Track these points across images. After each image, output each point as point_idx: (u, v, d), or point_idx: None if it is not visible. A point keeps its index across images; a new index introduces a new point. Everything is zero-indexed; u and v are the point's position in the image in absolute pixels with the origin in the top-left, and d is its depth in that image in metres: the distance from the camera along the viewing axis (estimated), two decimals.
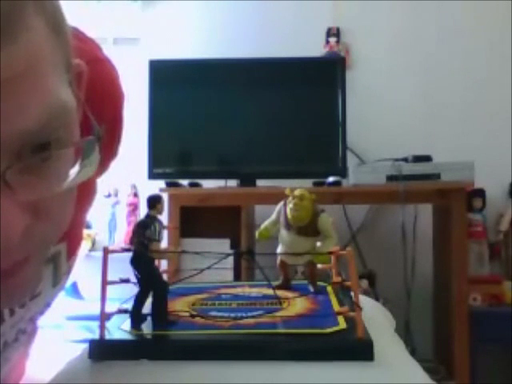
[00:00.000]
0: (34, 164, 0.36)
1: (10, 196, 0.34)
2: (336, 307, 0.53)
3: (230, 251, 1.89)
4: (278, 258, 0.62)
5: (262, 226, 0.62)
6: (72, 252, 0.60)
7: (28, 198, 0.36)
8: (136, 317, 0.50)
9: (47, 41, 0.36)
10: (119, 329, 0.50)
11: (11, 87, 0.32)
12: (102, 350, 0.47)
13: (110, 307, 0.49)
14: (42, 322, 0.63)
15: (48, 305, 0.60)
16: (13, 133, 0.33)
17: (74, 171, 0.39)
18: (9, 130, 0.33)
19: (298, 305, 0.55)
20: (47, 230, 0.40)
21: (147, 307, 0.51)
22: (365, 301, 0.62)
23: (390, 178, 1.88)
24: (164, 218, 1.75)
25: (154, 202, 0.51)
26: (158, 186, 1.89)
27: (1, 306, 0.42)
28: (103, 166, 0.62)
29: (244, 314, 0.51)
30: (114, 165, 0.66)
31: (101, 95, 0.56)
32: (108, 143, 0.60)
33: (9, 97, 0.32)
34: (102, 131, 0.40)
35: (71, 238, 0.58)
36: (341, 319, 0.48)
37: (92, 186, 0.62)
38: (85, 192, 0.59)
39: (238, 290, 0.62)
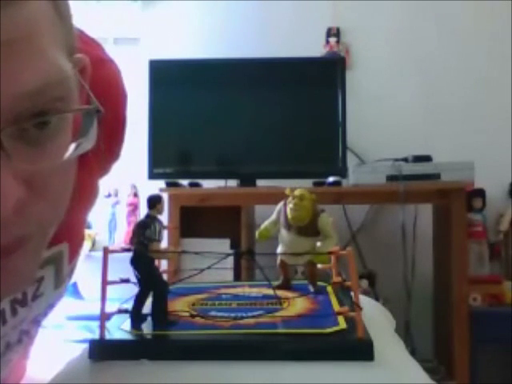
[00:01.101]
0: (31, 132, 0.35)
1: (6, 164, 0.34)
2: (336, 307, 0.53)
3: (230, 251, 1.89)
4: (278, 258, 0.62)
5: (262, 226, 0.62)
6: (74, 254, 0.60)
7: (25, 167, 0.35)
8: (136, 317, 0.50)
9: (49, 16, 0.36)
10: (119, 329, 0.50)
11: (8, 49, 0.32)
12: (102, 350, 0.47)
13: (110, 307, 0.49)
14: (43, 322, 0.63)
15: (51, 306, 0.60)
16: (8, 94, 0.33)
17: (72, 145, 0.38)
18: (5, 91, 0.33)
19: (298, 305, 0.55)
20: (43, 208, 0.39)
21: (147, 307, 0.51)
22: (365, 301, 0.62)
23: (390, 178, 1.88)
24: (164, 218, 1.76)
25: (154, 202, 0.51)
26: (158, 186, 1.89)
27: (1, 292, 0.42)
28: (105, 167, 0.62)
29: (244, 314, 0.51)
30: (113, 165, 0.66)
31: (104, 96, 0.56)
32: (110, 144, 0.60)
33: (5, 59, 0.32)
34: (101, 108, 0.40)
35: (72, 239, 0.58)
36: (341, 319, 0.48)
37: (94, 186, 0.62)
38: (86, 193, 0.59)
39: (238, 290, 0.62)
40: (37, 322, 0.60)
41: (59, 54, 0.37)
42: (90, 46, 0.56)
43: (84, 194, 0.58)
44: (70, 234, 0.56)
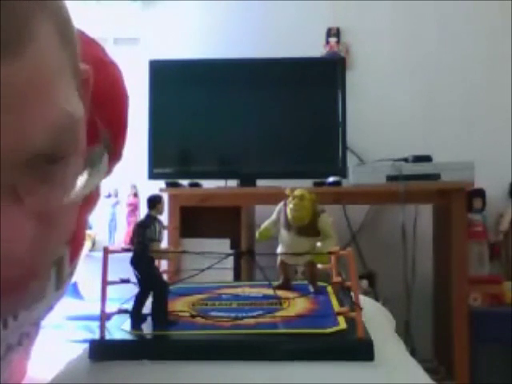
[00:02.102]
0: (41, 174, 0.36)
1: (18, 206, 0.34)
2: (336, 307, 0.53)
3: (230, 251, 1.89)
4: (278, 258, 0.62)
5: (262, 226, 0.62)
6: (74, 255, 0.60)
7: (36, 207, 0.36)
8: (136, 317, 0.50)
9: (56, 50, 0.36)
10: (119, 329, 0.50)
11: (18, 102, 0.32)
12: (103, 350, 0.47)
13: (110, 307, 0.49)
14: (42, 322, 0.63)
15: (51, 308, 0.60)
16: (20, 148, 0.33)
17: (81, 180, 0.39)
18: (16, 145, 0.33)
19: (298, 305, 0.55)
20: (53, 237, 0.40)
21: (147, 307, 0.51)
22: (365, 301, 0.62)
23: (390, 178, 1.88)
24: (164, 218, 1.76)
25: (154, 202, 0.51)
26: (158, 186, 1.89)
27: (2, 314, 0.42)
28: (108, 169, 0.62)
29: (244, 314, 0.51)
30: None
31: (105, 99, 0.56)
32: (113, 146, 0.60)
33: (16, 112, 0.32)
34: (109, 140, 0.40)
35: (73, 242, 0.58)
36: (341, 319, 0.48)
37: (96, 190, 0.62)
38: (89, 196, 0.59)
39: (239, 290, 0.62)
40: (37, 325, 0.60)
41: (67, 90, 0.37)
42: (91, 47, 0.56)
43: (86, 198, 0.58)
44: (72, 238, 0.56)
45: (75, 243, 0.60)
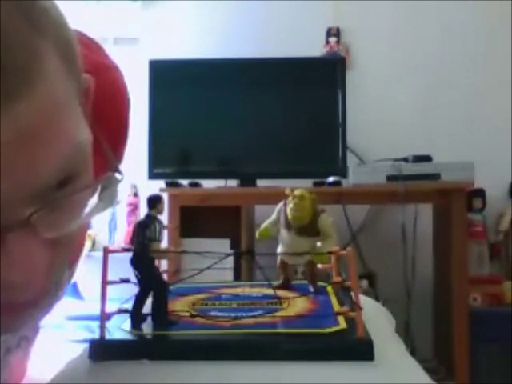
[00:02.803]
0: (53, 202, 0.36)
1: (33, 237, 0.35)
2: (336, 307, 0.53)
3: (230, 251, 1.89)
4: (278, 258, 0.62)
5: (262, 226, 0.62)
6: (74, 259, 0.60)
7: (50, 235, 0.36)
8: (136, 317, 0.50)
9: (63, 79, 0.35)
10: (119, 329, 0.50)
11: (30, 140, 0.32)
12: (103, 350, 0.47)
13: (110, 307, 0.49)
14: (42, 322, 0.63)
15: (49, 311, 0.60)
16: (34, 182, 0.33)
17: (92, 203, 0.39)
18: (30, 180, 0.33)
19: (298, 305, 0.55)
20: (64, 257, 0.41)
21: (147, 307, 0.51)
22: (365, 301, 0.62)
23: (390, 178, 1.88)
24: (164, 217, 1.76)
25: (154, 201, 0.51)
26: (158, 186, 1.89)
27: (13, 329, 0.43)
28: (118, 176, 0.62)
29: (244, 314, 0.51)
30: None
31: (106, 103, 0.56)
32: (114, 149, 0.60)
33: (29, 148, 0.32)
34: (118, 164, 0.41)
35: (72, 255, 0.59)
36: (341, 319, 0.48)
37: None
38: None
39: (238, 290, 0.62)
40: (35, 328, 0.60)
41: (75, 118, 0.37)
42: (91, 51, 0.56)
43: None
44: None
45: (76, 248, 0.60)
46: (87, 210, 0.39)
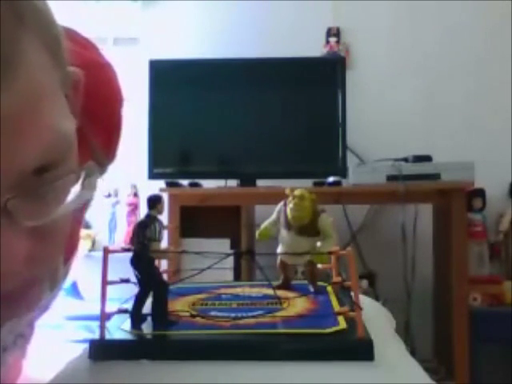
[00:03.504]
0: (33, 191, 0.36)
1: (11, 224, 0.35)
2: (336, 307, 0.53)
3: (230, 251, 1.89)
4: (278, 258, 0.62)
5: (262, 226, 0.62)
6: (69, 256, 0.60)
7: (30, 223, 0.36)
8: (136, 317, 0.50)
9: (46, 68, 0.36)
10: (119, 329, 0.50)
11: (10, 126, 0.32)
12: (102, 350, 0.47)
13: (110, 307, 0.49)
14: (41, 321, 0.63)
15: (46, 309, 0.60)
16: (12, 170, 0.33)
17: (74, 192, 0.39)
18: (8, 167, 0.33)
19: (298, 305, 0.55)
20: (49, 248, 0.40)
21: (147, 307, 0.51)
22: (365, 301, 0.62)
23: (390, 178, 1.88)
24: (164, 217, 1.76)
25: (154, 202, 0.51)
26: (158, 186, 1.89)
27: (2, 321, 0.43)
28: (100, 171, 0.62)
29: (244, 314, 0.51)
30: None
31: (98, 100, 0.56)
32: (107, 147, 0.60)
33: (8, 136, 0.32)
34: (99, 151, 0.41)
35: (68, 243, 0.59)
36: (341, 319, 0.48)
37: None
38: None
39: (238, 290, 0.62)
40: (31, 325, 0.60)
41: (58, 107, 0.37)
42: (87, 49, 0.56)
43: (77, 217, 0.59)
44: (65, 248, 0.56)
45: (70, 244, 0.60)
46: (69, 198, 0.39)
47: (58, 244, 0.42)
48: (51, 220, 0.38)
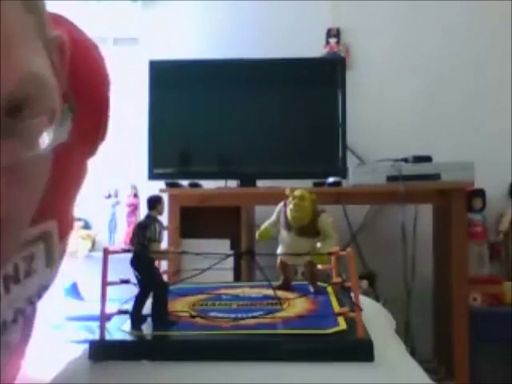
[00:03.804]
0: (6, 130, 0.37)
1: None
2: (336, 308, 0.53)
3: (230, 252, 1.89)
4: (278, 259, 0.62)
5: (262, 227, 0.62)
6: (64, 233, 0.60)
7: (3, 162, 0.37)
8: (136, 317, 0.50)
9: (17, 13, 0.37)
10: (119, 329, 0.50)
11: None
12: (103, 351, 0.47)
13: (110, 308, 0.49)
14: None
15: (44, 288, 0.60)
16: None
17: (46, 136, 0.40)
18: None
19: (298, 305, 0.55)
20: (24, 192, 0.41)
21: (147, 308, 0.51)
22: (365, 301, 0.62)
23: (390, 179, 1.88)
24: (164, 218, 1.76)
25: (154, 202, 0.51)
26: (158, 187, 1.89)
27: None
28: (92, 148, 0.63)
29: (244, 315, 0.51)
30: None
31: (85, 78, 0.57)
32: (95, 125, 0.61)
33: None
34: (74, 102, 0.42)
35: (61, 218, 0.59)
36: (341, 320, 0.48)
37: (81, 168, 0.62)
38: (73, 174, 0.60)
39: (238, 291, 0.62)
40: (31, 303, 0.60)
41: (33, 53, 0.39)
42: (73, 31, 0.57)
43: (71, 175, 0.59)
44: (58, 212, 0.57)
45: (64, 221, 0.60)
46: (43, 144, 0.39)
47: (33, 189, 0.42)
48: (26, 163, 0.39)
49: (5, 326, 0.55)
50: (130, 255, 0.50)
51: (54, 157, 0.45)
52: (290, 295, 0.58)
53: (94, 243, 2.34)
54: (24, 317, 0.59)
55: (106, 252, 0.48)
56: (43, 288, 0.60)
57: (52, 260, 0.59)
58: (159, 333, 0.49)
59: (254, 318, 0.50)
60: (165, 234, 0.53)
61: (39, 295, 0.60)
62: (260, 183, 2.06)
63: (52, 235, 0.58)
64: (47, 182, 0.45)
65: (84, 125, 0.54)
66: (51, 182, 0.46)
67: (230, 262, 1.87)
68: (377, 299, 1.85)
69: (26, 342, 0.67)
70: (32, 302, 0.60)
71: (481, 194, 2.14)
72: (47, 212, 0.52)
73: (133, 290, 0.51)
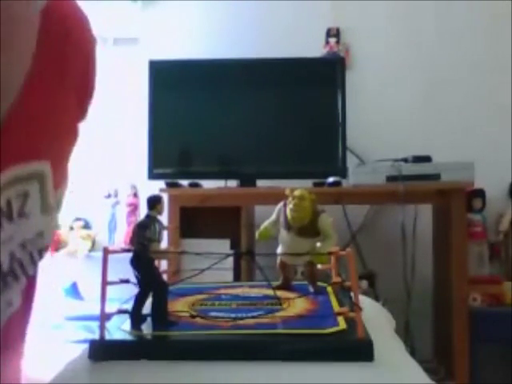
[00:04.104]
0: None
1: None
2: (336, 308, 0.53)
3: (230, 251, 1.89)
4: (278, 259, 0.62)
5: (262, 227, 0.62)
6: (59, 179, 0.60)
7: None
8: (136, 317, 0.50)
9: None
10: (119, 329, 0.50)
11: None
12: (102, 351, 0.47)
13: (110, 307, 0.49)
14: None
15: (40, 235, 0.58)
16: None
17: None
18: None
19: (298, 305, 0.55)
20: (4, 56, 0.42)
21: (147, 308, 0.51)
22: (365, 301, 0.62)
23: (390, 179, 1.88)
24: (164, 218, 1.76)
25: (153, 202, 0.51)
26: (158, 187, 1.89)
27: None
28: (82, 106, 0.64)
29: (244, 315, 0.51)
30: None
31: (69, 39, 0.58)
32: (83, 81, 0.62)
33: None
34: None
35: (55, 165, 0.58)
36: (341, 319, 0.48)
37: (73, 128, 0.63)
38: (67, 122, 0.61)
39: (238, 291, 0.62)
40: (28, 251, 0.58)
41: None
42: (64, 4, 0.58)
43: (64, 123, 0.60)
44: (52, 158, 0.57)
45: (58, 169, 0.60)
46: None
47: (15, 54, 0.43)
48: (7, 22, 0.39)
49: (5, 281, 0.54)
50: (129, 255, 0.50)
51: (46, 97, 0.46)
52: (289, 295, 0.58)
53: (93, 243, 2.34)
54: (24, 273, 0.57)
55: (106, 252, 0.48)
56: (39, 236, 0.58)
57: (47, 206, 0.58)
58: (159, 333, 0.49)
59: (253, 317, 0.50)
60: (165, 234, 0.53)
61: (35, 243, 0.58)
62: (260, 183, 2.06)
63: (46, 177, 0.57)
64: (38, 119, 0.46)
65: (72, 74, 0.57)
66: (43, 119, 0.47)
67: (230, 261, 1.87)
68: (377, 299, 1.85)
69: (26, 322, 0.66)
70: (28, 250, 0.58)
71: (481, 194, 2.14)
72: (41, 152, 0.54)
73: (133, 290, 0.51)
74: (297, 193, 0.58)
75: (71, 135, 0.64)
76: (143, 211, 0.55)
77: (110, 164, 2.36)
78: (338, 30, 2.38)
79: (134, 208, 2.34)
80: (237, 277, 1.88)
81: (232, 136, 2.09)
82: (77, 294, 2.24)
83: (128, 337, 0.48)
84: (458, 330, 1.84)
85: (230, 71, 2.14)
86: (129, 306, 0.51)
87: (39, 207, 0.57)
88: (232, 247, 1.94)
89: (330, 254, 0.55)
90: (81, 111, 0.65)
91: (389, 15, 2.39)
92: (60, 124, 0.60)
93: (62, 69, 0.51)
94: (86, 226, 2.39)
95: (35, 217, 0.56)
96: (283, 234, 0.59)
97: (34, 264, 0.60)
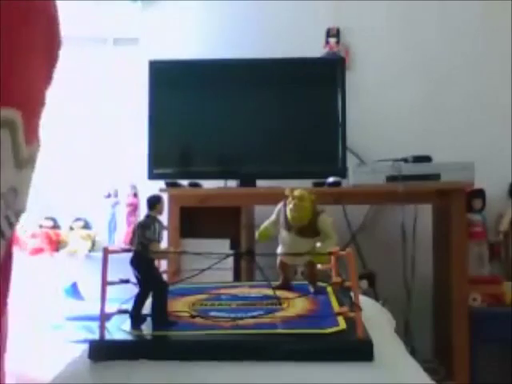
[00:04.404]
0: None
1: None
2: (336, 308, 0.53)
3: (230, 251, 1.89)
4: (278, 259, 0.62)
5: (262, 227, 0.63)
6: (30, 135, 0.59)
7: None
8: (136, 317, 0.50)
9: None
10: (119, 329, 0.50)
11: None
12: (102, 351, 0.47)
13: (110, 308, 0.49)
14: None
15: (14, 192, 0.56)
16: None
17: None
18: None
19: (297, 305, 0.55)
20: None
21: (147, 307, 0.51)
22: (365, 301, 0.62)
23: (390, 179, 1.87)
24: (164, 218, 1.76)
25: (153, 202, 0.51)
26: (158, 187, 1.89)
27: None
28: (49, 60, 0.64)
29: (244, 315, 0.51)
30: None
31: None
32: (48, 31, 0.62)
33: None
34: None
35: (27, 118, 0.58)
36: (341, 319, 0.49)
37: (41, 73, 0.63)
38: (37, 73, 0.61)
39: (238, 291, 0.62)
40: (5, 217, 0.57)
41: None
42: None
43: (34, 75, 0.60)
44: (22, 104, 0.56)
45: (30, 121, 0.59)
46: None
47: None
48: None
49: None
50: (129, 255, 0.50)
51: (9, 32, 0.48)
52: (289, 295, 0.58)
53: (93, 243, 2.34)
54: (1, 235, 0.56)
55: (106, 252, 0.48)
56: (13, 192, 0.56)
57: (20, 162, 0.57)
58: (159, 333, 0.49)
59: (253, 317, 0.50)
60: (165, 234, 0.53)
61: (8, 204, 0.56)
62: (260, 183, 2.06)
63: (17, 127, 0.56)
64: (4, 56, 0.46)
65: (36, 9, 0.57)
66: (8, 56, 0.48)
67: (230, 262, 1.87)
68: (376, 299, 1.85)
69: (4, 347, 0.64)
70: (7, 217, 0.56)
71: (481, 194, 2.14)
72: (11, 98, 0.54)
73: (133, 290, 0.51)
74: (297, 193, 0.58)
75: (40, 82, 0.63)
76: (143, 211, 0.55)
77: (110, 164, 2.36)
78: (338, 30, 2.38)
79: (133, 208, 2.34)
80: (237, 277, 1.88)
81: (232, 136, 2.09)
82: (77, 294, 2.24)
83: (128, 337, 0.48)
84: (458, 330, 1.84)
85: (230, 71, 2.14)
86: (129, 306, 0.51)
87: (12, 159, 0.56)
88: (232, 247, 1.94)
89: (330, 253, 0.55)
90: (49, 56, 0.64)
91: (389, 15, 2.39)
92: (28, 66, 0.59)
93: (25, 4, 0.52)
94: (86, 226, 2.39)
95: (7, 168, 0.55)
96: (283, 234, 0.59)
97: (9, 223, 0.58)
